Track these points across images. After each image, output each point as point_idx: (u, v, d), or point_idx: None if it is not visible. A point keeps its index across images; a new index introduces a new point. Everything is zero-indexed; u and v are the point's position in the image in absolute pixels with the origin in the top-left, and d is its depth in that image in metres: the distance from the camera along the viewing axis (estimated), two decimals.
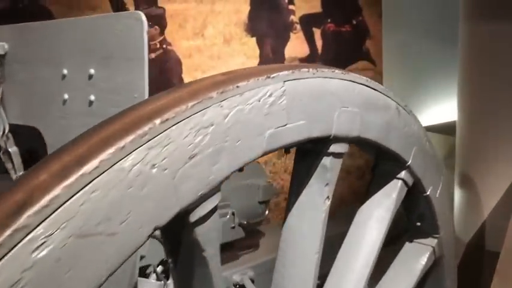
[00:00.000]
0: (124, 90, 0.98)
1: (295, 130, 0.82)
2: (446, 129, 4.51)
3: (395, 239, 1.38)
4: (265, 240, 3.00)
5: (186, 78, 3.69)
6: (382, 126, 1.04)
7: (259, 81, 0.75)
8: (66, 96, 1.12)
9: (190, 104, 0.65)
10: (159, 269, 1.77)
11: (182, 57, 3.65)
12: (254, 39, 3.94)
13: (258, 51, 3.96)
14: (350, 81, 0.95)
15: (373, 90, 1.02)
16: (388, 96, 1.07)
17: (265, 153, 0.78)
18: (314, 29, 4.22)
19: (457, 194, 4.09)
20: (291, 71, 0.81)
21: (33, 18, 3.13)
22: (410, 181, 1.17)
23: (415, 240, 1.33)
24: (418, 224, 1.32)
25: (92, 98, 1.06)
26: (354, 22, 4.39)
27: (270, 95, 0.77)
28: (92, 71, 1.05)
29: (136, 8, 3.49)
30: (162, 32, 3.57)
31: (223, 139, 0.69)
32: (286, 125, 0.80)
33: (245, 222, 2.41)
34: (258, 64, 3.97)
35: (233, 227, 2.33)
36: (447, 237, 1.36)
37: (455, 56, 3.92)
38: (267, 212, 2.65)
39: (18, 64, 1.27)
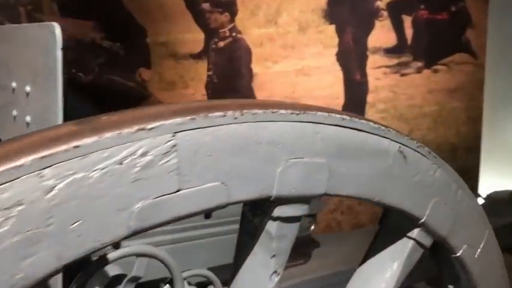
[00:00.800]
0: (47, 116, 0.82)
1: (197, 196, 0.61)
2: None
3: None
4: (320, 251, 2.75)
5: (256, 68, 3.49)
6: (371, 177, 0.80)
7: (121, 137, 0.54)
8: (15, 112, 0.99)
9: None
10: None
11: (252, 46, 3.46)
12: (333, 26, 3.61)
13: (336, 40, 3.64)
14: (308, 122, 0.70)
15: (355, 132, 0.76)
16: (385, 137, 0.81)
17: (136, 232, 0.57)
18: (404, 17, 3.78)
19: None
20: (189, 117, 0.58)
21: (100, 8, 3.13)
22: (426, 241, 0.93)
23: None
24: (451, 287, 1.06)
25: (28, 119, 0.91)
26: (453, 9, 3.87)
27: (144, 154, 0.56)
28: (28, 88, 0.90)
29: None
30: (232, 19, 3.40)
31: (42, 222, 0.50)
32: (178, 191, 0.59)
33: None
34: (336, 54, 3.65)
35: None
36: None
37: None
38: (313, 227, 2.38)
39: None
